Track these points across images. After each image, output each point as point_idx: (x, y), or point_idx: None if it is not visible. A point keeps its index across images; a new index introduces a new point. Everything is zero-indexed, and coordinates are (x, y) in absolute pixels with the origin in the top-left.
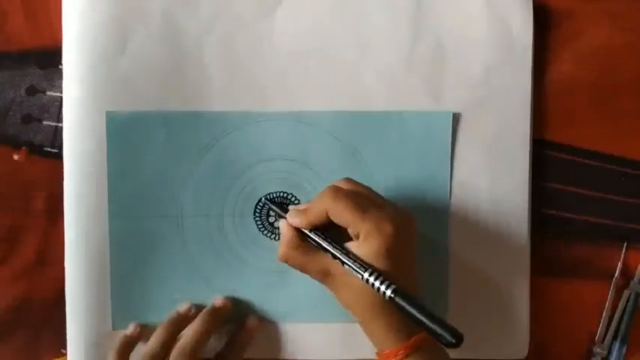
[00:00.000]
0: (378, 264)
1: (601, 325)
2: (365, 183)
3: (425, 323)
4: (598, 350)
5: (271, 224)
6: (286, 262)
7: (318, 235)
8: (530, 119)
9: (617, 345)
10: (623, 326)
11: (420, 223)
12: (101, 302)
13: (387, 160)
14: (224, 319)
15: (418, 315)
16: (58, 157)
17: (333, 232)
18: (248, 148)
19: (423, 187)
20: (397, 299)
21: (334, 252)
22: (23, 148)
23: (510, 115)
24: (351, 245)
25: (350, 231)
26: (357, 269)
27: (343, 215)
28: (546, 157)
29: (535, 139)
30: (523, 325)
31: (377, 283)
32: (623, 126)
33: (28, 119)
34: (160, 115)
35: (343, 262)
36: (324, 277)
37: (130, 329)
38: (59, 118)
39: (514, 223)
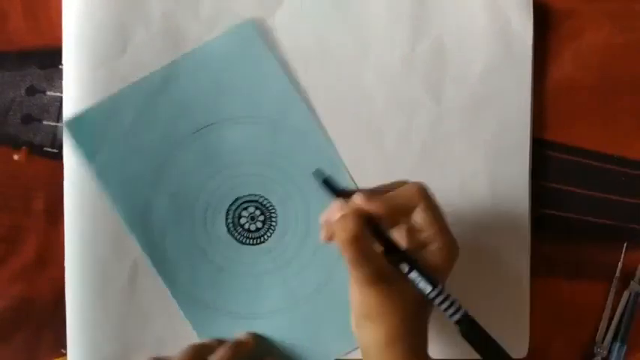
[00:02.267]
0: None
1: (601, 325)
2: None
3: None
4: (598, 350)
5: (242, 226)
6: (348, 245)
7: (379, 231)
8: (530, 119)
9: (617, 345)
10: (623, 326)
11: None
12: (101, 302)
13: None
14: (246, 354)
15: (485, 347)
16: (58, 157)
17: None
18: (204, 157)
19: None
20: (464, 325)
21: (404, 255)
22: (23, 148)
23: (510, 115)
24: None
25: (421, 236)
26: (427, 283)
27: (430, 217)
28: (546, 157)
29: (535, 139)
30: (523, 325)
31: (446, 303)
32: (623, 126)
33: (28, 119)
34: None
35: (410, 270)
36: (376, 280)
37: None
38: (59, 118)
39: (514, 223)
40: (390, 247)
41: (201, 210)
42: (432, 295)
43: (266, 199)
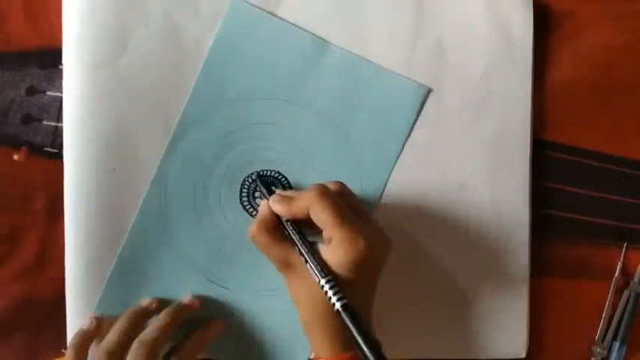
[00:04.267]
0: (341, 274)
1: (601, 325)
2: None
3: (360, 344)
4: (598, 350)
5: (255, 199)
6: (253, 240)
7: (292, 227)
8: (531, 119)
9: (617, 345)
10: (623, 326)
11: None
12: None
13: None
14: (189, 316)
15: (356, 334)
16: (58, 157)
17: (310, 231)
18: (232, 127)
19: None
20: (343, 314)
21: (301, 248)
22: (23, 148)
23: (510, 115)
24: (321, 248)
25: (324, 234)
26: (318, 273)
27: (323, 216)
28: (546, 157)
29: (535, 139)
30: (522, 324)
31: (330, 292)
32: (623, 126)
33: (28, 119)
34: None
35: (307, 261)
36: (284, 266)
37: (86, 323)
38: (59, 118)
39: (514, 223)
40: (300, 241)
41: (218, 176)
42: (321, 284)
43: (284, 177)
